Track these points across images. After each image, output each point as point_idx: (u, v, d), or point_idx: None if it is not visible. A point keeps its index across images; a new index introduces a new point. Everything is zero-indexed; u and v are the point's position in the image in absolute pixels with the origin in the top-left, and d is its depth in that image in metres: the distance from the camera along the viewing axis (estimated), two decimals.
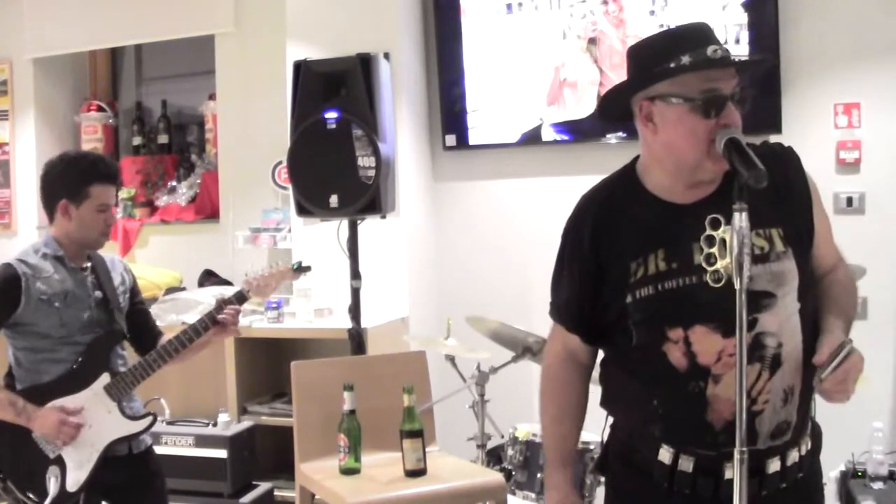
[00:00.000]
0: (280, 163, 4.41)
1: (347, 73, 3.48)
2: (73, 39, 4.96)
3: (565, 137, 4.16)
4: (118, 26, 4.85)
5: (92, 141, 5.13)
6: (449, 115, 4.34)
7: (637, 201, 1.82)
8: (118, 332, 2.81)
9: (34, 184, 5.04)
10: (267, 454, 4.07)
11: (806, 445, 1.81)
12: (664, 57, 1.73)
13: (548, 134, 4.18)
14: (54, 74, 5.18)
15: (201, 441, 3.72)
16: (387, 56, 3.79)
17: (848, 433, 3.41)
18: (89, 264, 2.80)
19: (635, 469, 1.83)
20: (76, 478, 2.66)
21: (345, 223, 3.58)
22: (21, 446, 2.67)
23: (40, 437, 2.67)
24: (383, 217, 3.59)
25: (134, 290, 2.93)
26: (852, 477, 3.39)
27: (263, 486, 3.83)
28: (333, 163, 3.44)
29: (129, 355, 2.88)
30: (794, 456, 1.78)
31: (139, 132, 5.20)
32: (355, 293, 3.57)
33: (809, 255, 1.81)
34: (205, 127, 4.97)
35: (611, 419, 1.96)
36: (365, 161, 3.42)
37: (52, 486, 2.62)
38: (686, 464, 1.74)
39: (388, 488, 2.77)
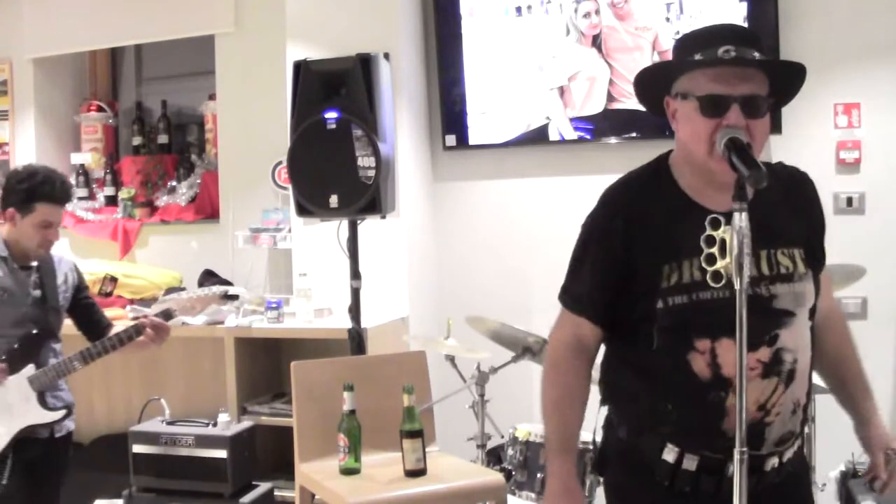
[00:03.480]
0: (280, 163, 4.40)
1: (347, 73, 3.48)
2: (73, 39, 4.96)
3: (573, 136, 4.16)
4: (118, 26, 4.84)
5: (92, 141, 5.13)
6: (449, 115, 4.34)
7: (671, 200, 1.80)
8: (51, 329, 3.06)
9: None
10: (267, 454, 4.07)
11: (798, 442, 1.85)
12: (686, 52, 1.75)
13: (554, 133, 4.18)
14: (54, 74, 5.17)
15: (201, 441, 3.71)
16: (387, 56, 3.79)
17: (848, 433, 3.39)
18: (35, 264, 3.06)
19: (635, 468, 1.82)
20: None
21: (345, 223, 3.58)
22: None
23: None
24: (383, 217, 3.59)
25: (79, 287, 3.19)
26: (852, 477, 3.39)
27: (263, 486, 3.82)
28: (333, 163, 3.44)
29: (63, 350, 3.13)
30: (789, 454, 1.81)
31: (139, 132, 5.19)
32: (355, 293, 3.57)
33: (819, 278, 1.85)
34: (205, 127, 4.97)
35: (601, 419, 1.95)
36: (365, 161, 3.42)
37: None
38: (690, 463, 1.75)
39: (387, 488, 2.77)
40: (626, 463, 1.86)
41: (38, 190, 2.95)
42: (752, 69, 1.72)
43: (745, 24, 3.79)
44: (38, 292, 3.04)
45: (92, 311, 3.24)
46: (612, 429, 1.91)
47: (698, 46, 1.72)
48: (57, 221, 3.02)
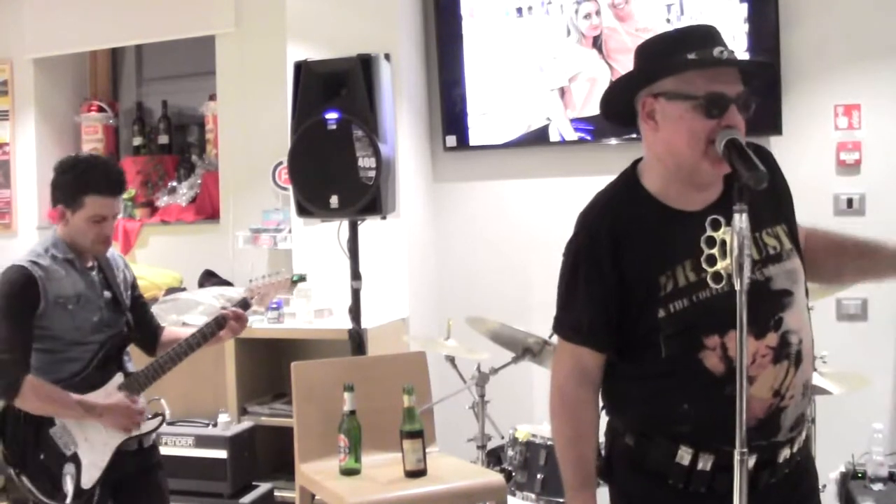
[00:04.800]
0: (280, 163, 4.41)
1: (348, 73, 3.49)
2: (73, 40, 4.97)
3: (574, 137, 4.16)
4: (119, 26, 4.85)
5: (92, 141, 5.14)
6: (449, 115, 4.34)
7: (648, 212, 1.80)
8: (127, 332, 2.85)
9: (34, 184, 5.08)
10: (267, 454, 4.07)
11: (807, 431, 1.86)
12: (670, 53, 1.74)
13: (555, 133, 4.18)
14: (55, 75, 5.18)
15: (201, 441, 3.72)
16: (387, 57, 3.79)
17: (848, 434, 3.41)
18: (96, 263, 2.81)
19: (644, 473, 1.81)
20: (91, 475, 2.68)
21: (345, 224, 3.59)
22: (38, 442, 2.67)
23: (59, 432, 2.67)
24: (383, 218, 3.59)
25: (133, 285, 2.95)
26: (852, 478, 3.39)
27: (263, 487, 3.83)
28: (334, 163, 3.44)
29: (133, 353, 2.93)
30: (799, 441, 1.82)
31: (140, 132, 5.20)
32: (355, 294, 3.57)
33: (802, 250, 1.86)
34: (205, 127, 4.97)
35: (603, 425, 1.93)
36: (365, 162, 3.42)
37: (69, 484, 2.64)
38: (705, 463, 1.74)
39: (388, 489, 2.77)
40: (635, 469, 1.83)
41: (83, 181, 2.66)
42: (735, 69, 1.74)
43: (746, 26, 3.81)
44: (108, 293, 2.79)
45: (146, 310, 3.01)
46: (618, 435, 1.88)
47: (689, 47, 1.72)
48: (111, 214, 2.72)
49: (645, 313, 1.75)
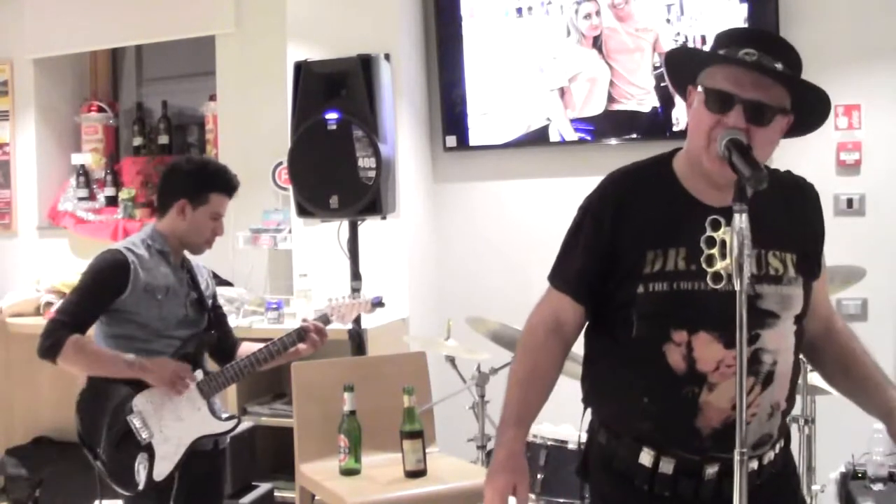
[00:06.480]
0: (280, 163, 4.41)
1: (348, 73, 3.49)
2: (73, 40, 4.96)
3: (574, 137, 4.16)
4: (119, 27, 4.85)
5: (92, 141, 5.13)
6: (449, 115, 4.34)
7: (667, 190, 1.82)
8: (210, 333, 2.89)
9: (34, 184, 5.07)
10: (267, 455, 4.07)
11: (780, 444, 1.85)
12: (716, 47, 1.77)
13: (555, 134, 4.18)
14: (55, 75, 5.17)
15: None
16: (387, 57, 3.79)
17: (848, 435, 3.41)
18: (182, 264, 2.89)
19: (616, 474, 1.82)
20: (162, 468, 2.69)
21: (345, 224, 3.59)
22: (115, 429, 2.69)
23: (136, 420, 2.68)
24: (383, 218, 3.60)
25: (214, 296, 3.02)
26: (852, 478, 3.39)
27: (263, 487, 3.82)
28: (334, 163, 3.45)
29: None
30: (769, 455, 1.81)
31: (140, 133, 5.19)
32: (355, 294, 3.57)
33: (812, 287, 1.85)
34: (205, 128, 4.97)
35: (585, 424, 1.95)
36: (365, 162, 3.42)
37: (141, 474, 2.67)
38: (666, 466, 1.75)
39: (388, 489, 2.77)
40: (607, 469, 1.85)
41: (211, 178, 2.81)
42: (770, 79, 1.71)
43: (746, 26, 3.79)
44: (194, 293, 2.86)
45: (224, 322, 3.04)
46: (594, 434, 1.91)
47: (727, 43, 1.74)
48: (224, 213, 2.87)
49: (626, 284, 1.77)
